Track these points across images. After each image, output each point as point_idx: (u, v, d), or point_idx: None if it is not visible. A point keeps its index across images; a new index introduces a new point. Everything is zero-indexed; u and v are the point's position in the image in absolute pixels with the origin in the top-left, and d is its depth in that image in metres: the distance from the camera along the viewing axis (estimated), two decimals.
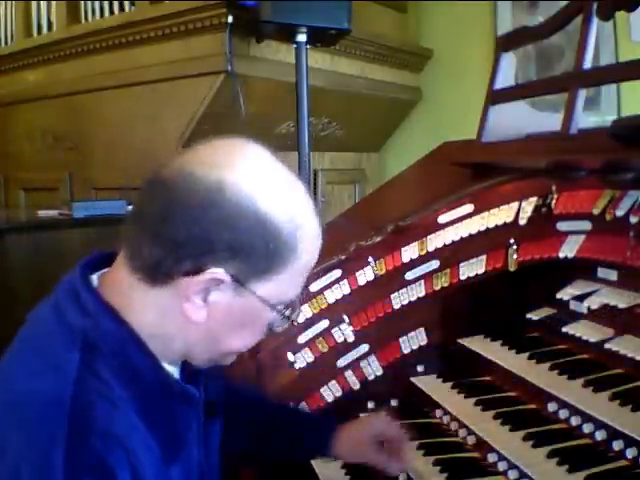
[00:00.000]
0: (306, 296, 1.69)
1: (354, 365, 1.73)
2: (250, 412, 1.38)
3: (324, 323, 1.70)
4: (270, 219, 0.88)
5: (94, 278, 0.97)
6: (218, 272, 0.87)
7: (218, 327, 0.94)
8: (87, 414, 0.82)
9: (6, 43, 3.88)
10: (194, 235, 0.86)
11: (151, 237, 0.89)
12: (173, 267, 0.88)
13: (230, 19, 2.54)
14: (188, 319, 0.91)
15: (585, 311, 1.49)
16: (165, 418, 0.94)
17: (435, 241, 1.71)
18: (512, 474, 1.30)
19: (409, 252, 1.71)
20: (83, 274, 0.95)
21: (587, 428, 1.27)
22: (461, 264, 1.71)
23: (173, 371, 1.00)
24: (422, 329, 1.76)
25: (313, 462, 1.62)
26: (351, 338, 1.71)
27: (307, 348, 1.69)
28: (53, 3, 3.52)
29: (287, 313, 0.99)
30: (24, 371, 0.88)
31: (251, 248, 0.88)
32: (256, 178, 0.90)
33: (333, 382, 1.71)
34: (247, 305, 0.93)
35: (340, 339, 1.71)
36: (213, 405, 1.11)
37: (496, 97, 1.74)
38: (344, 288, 1.71)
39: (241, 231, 0.87)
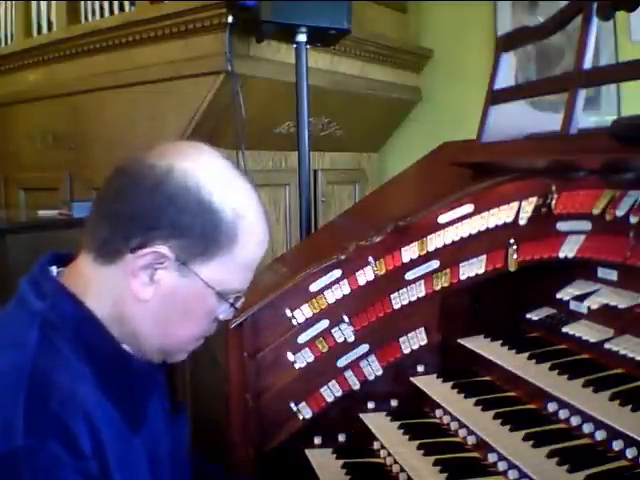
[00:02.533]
0: (306, 296, 1.69)
1: (354, 365, 1.73)
2: None
3: (324, 323, 1.70)
4: (212, 204, 0.97)
5: (53, 269, 1.03)
6: (161, 248, 0.95)
7: (164, 310, 0.99)
8: (46, 382, 0.85)
9: (6, 43, 3.87)
10: (141, 212, 0.95)
11: (104, 217, 0.98)
12: (122, 243, 0.95)
13: (230, 19, 2.53)
14: (135, 297, 0.97)
15: (585, 311, 1.49)
16: (124, 392, 0.97)
17: (435, 241, 1.71)
18: (512, 474, 1.30)
19: (409, 252, 1.71)
20: (41, 266, 1.02)
21: (587, 428, 1.27)
22: (461, 264, 1.71)
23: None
24: (422, 329, 1.76)
25: (313, 462, 1.63)
26: (351, 338, 1.71)
27: (307, 348, 1.70)
28: (53, 3, 3.52)
29: (231, 300, 1.04)
30: None
31: (192, 228, 0.96)
32: (205, 168, 0.99)
33: (333, 382, 1.71)
34: (191, 288, 0.99)
35: (340, 339, 1.71)
36: (177, 402, 1.17)
37: (496, 97, 1.74)
38: (344, 288, 1.71)
39: (184, 211, 0.95)
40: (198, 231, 0.96)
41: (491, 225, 1.66)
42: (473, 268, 1.70)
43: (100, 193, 1.02)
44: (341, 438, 1.73)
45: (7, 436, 0.80)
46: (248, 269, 1.05)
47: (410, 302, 1.73)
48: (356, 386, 1.73)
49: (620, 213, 1.34)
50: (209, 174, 0.99)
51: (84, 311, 0.97)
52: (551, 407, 1.38)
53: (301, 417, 1.69)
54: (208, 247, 0.98)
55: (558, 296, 1.56)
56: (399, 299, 1.73)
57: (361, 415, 1.73)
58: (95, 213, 1.00)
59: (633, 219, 1.31)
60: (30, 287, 0.99)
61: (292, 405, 1.68)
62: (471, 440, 1.48)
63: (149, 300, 0.98)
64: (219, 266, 0.99)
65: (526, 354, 1.52)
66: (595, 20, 1.44)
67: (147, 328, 1.01)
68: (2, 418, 0.82)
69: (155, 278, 0.97)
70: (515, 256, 1.62)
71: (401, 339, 1.75)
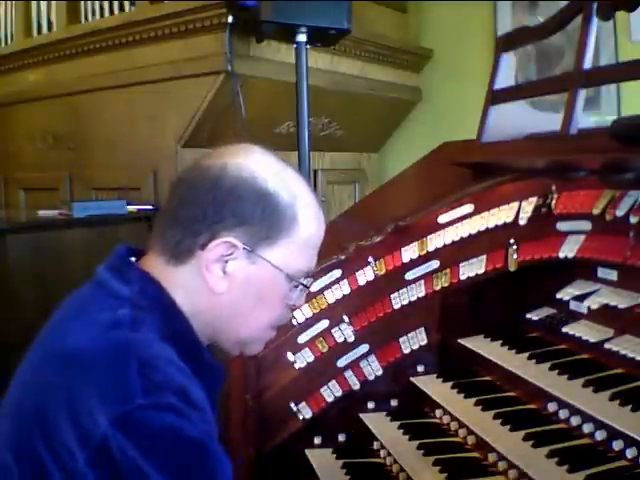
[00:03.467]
0: (306, 296, 1.69)
1: (354, 365, 1.73)
2: None
3: (324, 323, 1.70)
4: (269, 190, 1.02)
5: (132, 260, 1.08)
6: (228, 238, 1.00)
7: (240, 299, 1.05)
8: (150, 351, 0.90)
9: (6, 43, 3.87)
10: (204, 210, 1.01)
11: (172, 222, 1.04)
12: (192, 242, 1.01)
13: (230, 19, 2.54)
14: (211, 291, 1.02)
15: (585, 311, 1.49)
16: (201, 379, 0.99)
17: (435, 241, 1.71)
18: (512, 474, 1.30)
19: (409, 252, 1.71)
20: (121, 255, 1.07)
21: (587, 428, 1.27)
22: (461, 264, 1.71)
23: None
24: (422, 329, 1.76)
25: (313, 462, 1.63)
26: (351, 338, 1.71)
27: (307, 348, 1.70)
28: (53, 3, 3.52)
29: (303, 282, 1.10)
30: (80, 333, 0.93)
31: (253, 215, 1.01)
32: (256, 160, 1.06)
33: (333, 382, 1.71)
34: (262, 274, 1.04)
35: (340, 339, 1.71)
36: None
37: (496, 97, 1.74)
38: (344, 288, 1.71)
39: (243, 201, 1.01)
40: (259, 217, 1.02)
41: (491, 225, 1.66)
42: (473, 268, 1.70)
43: (166, 204, 1.07)
44: (341, 438, 1.73)
45: (125, 398, 0.83)
46: (312, 248, 1.10)
47: (410, 302, 1.73)
48: (356, 386, 1.73)
49: (620, 213, 1.34)
50: (261, 165, 1.05)
51: (169, 298, 1.02)
52: (551, 407, 1.38)
53: (301, 417, 1.69)
54: (271, 231, 1.03)
55: (558, 296, 1.56)
56: (399, 299, 1.73)
57: (361, 415, 1.73)
58: (162, 221, 1.06)
59: (633, 219, 1.31)
60: (112, 274, 1.02)
61: (292, 405, 1.68)
62: (471, 440, 1.48)
63: (225, 292, 1.03)
64: (284, 248, 1.05)
65: (526, 354, 1.52)
66: (595, 20, 1.44)
67: (225, 320, 1.06)
68: (117, 385, 0.85)
69: (227, 270, 1.02)
70: (515, 256, 1.62)
71: (401, 339, 1.75)
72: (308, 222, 1.07)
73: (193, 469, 0.86)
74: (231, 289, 1.03)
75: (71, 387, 0.86)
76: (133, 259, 1.08)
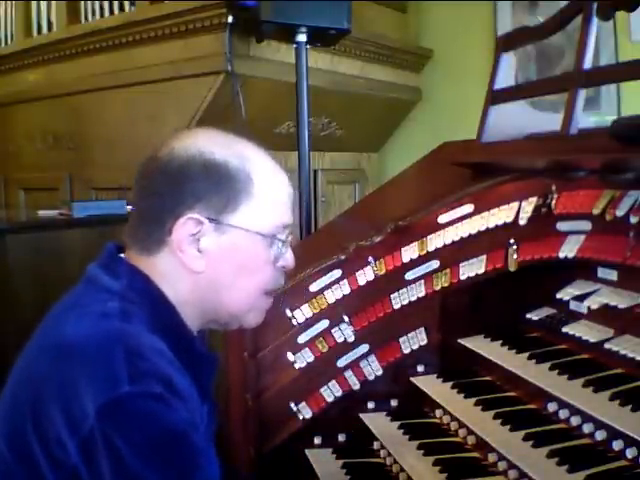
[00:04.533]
0: (306, 296, 1.69)
1: (354, 365, 1.73)
2: None
3: (324, 323, 1.70)
4: (216, 161, 1.03)
5: (121, 255, 1.09)
6: (191, 215, 1.01)
7: (223, 272, 1.06)
8: (138, 341, 0.92)
9: (6, 43, 3.88)
10: (162, 198, 1.03)
11: (137, 216, 1.07)
12: (160, 231, 1.03)
13: (230, 19, 2.54)
14: (191, 272, 1.03)
15: (585, 311, 1.49)
16: (192, 370, 1.00)
17: (435, 241, 1.71)
18: (512, 474, 1.30)
19: (409, 252, 1.71)
20: (110, 252, 1.08)
21: (587, 428, 1.27)
22: (461, 264, 1.71)
23: None
24: (422, 329, 1.76)
25: (313, 462, 1.63)
26: (351, 338, 1.71)
27: (307, 348, 1.70)
28: (53, 3, 3.52)
29: (280, 237, 1.09)
30: (72, 324, 0.95)
31: (209, 188, 1.02)
32: (201, 137, 1.07)
33: (333, 382, 1.71)
34: (236, 241, 1.05)
35: (340, 339, 1.71)
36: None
37: (496, 97, 1.74)
38: (344, 288, 1.71)
39: (196, 177, 1.02)
40: (214, 188, 1.02)
41: (491, 225, 1.66)
42: (473, 268, 1.70)
43: (131, 204, 1.10)
44: (341, 438, 1.73)
45: (112, 386, 0.84)
46: (279, 203, 1.10)
47: (410, 302, 1.73)
48: (356, 386, 1.73)
49: (620, 213, 1.34)
50: (206, 141, 1.06)
51: (157, 290, 1.03)
52: (551, 407, 1.38)
53: (301, 417, 1.69)
54: (230, 197, 1.03)
55: (558, 296, 1.56)
56: (399, 299, 1.73)
57: (361, 415, 1.73)
58: (130, 218, 1.09)
59: (633, 219, 1.31)
60: (101, 270, 1.04)
61: (292, 405, 1.68)
62: (471, 440, 1.48)
63: (205, 270, 1.04)
64: (249, 209, 1.05)
65: (526, 354, 1.52)
66: (595, 20, 1.44)
67: (213, 297, 1.07)
68: (104, 373, 0.86)
69: (201, 247, 1.03)
70: (515, 256, 1.62)
71: (401, 339, 1.75)
72: (265, 177, 1.07)
73: (173, 458, 0.86)
74: (210, 265, 1.04)
75: (62, 376, 0.88)
76: (123, 255, 1.09)
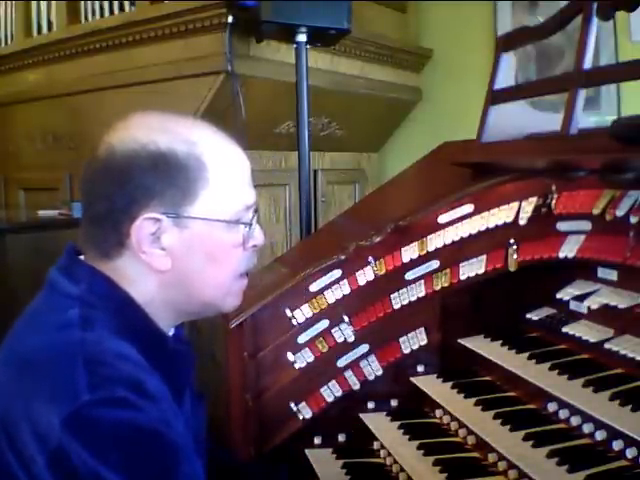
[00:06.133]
0: (306, 296, 1.69)
1: (354, 365, 1.73)
2: None
3: (324, 323, 1.70)
4: (161, 151, 0.96)
5: (81, 257, 1.04)
6: (146, 214, 0.95)
7: (191, 266, 1.00)
8: (99, 348, 0.88)
9: (6, 43, 3.87)
10: (111, 200, 0.96)
11: (89, 223, 1.01)
12: (116, 235, 0.97)
13: (230, 19, 2.53)
14: (158, 271, 0.98)
15: (585, 311, 1.49)
16: (166, 370, 0.97)
17: (435, 241, 1.71)
18: (512, 474, 1.30)
19: (409, 252, 1.71)
20: (69, 254, 1.03)
21: (587, 428, 1.27)
22: (461, 264, 1.71)
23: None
24: (422, 329, 1.76)
25: (313, 462, 1.63)
26: (351, 338, 1.71)
27: (307, 348, 1.69)
28: (53, 3, 3.51)
29: (244, 220, 1.03)
30: (30, 336, 0.93)
31: (160, 182, 0.96)
32: (138, 127, 0.99)
33: (333, 382, 1.71)
34: (199, 233, 0.99)
35: (340, 339, 1.71)
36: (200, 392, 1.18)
37: (496, 97, 1.74)
38: (344, 288, 1.71)
39: (143, 173, 0.95)
40: (166, 181, 0.96)
41: (491, 225, 1.66)
42: (473, 268, 1.70)
43: (81, 208, 1.04)
44: (341, 438, 1.73)
45: (72, 397, 0.81)
46: (238, 184, 1.04)
47: (410, 302, 1.73)
48: (356, 386, 1.73)
49: (620, 213, 1.34)
50: (144, 129, 0.99)
51: (120, 291, 0.98)
52: (551, 407, 1.38)
53: (301, 417, 1.69)
54: (185, 188, 0.97)
55: (558, 296, 1.56)
56: (399, 299, 1.73)
57: (361, 415, 1.73)
58: (83, 224, 1.03)
59: (633, 219, 1.31)
60: (61, 274, 1.00)
61: (292, 405, 1.68)
62: (471, 440, 1.48)
63: (171, 267, 0.99)
64: (208, 197, 0.99)
65: (526, 354, 1.52)
66: (595, 20, 1.44)
67: (184, 292, 1.02)
68: (63, 385, 0.83)
69: (164, 245, 0.98)
70: (515, 256, 1.62)
71: (401, 339, 1.75)
72: (218, 161, 1.01)
73: (149, 460, 0.83)
74: (176, 261, 0.99)
75: (26, 393, 0.85)
76: (82, 257, 1.04)
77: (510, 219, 1.63)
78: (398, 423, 1.66)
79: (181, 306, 1.05)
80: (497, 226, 1.66)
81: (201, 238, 1.00)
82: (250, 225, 1.05)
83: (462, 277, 1.71)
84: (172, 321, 1.07)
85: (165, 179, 0.96)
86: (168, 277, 1.00)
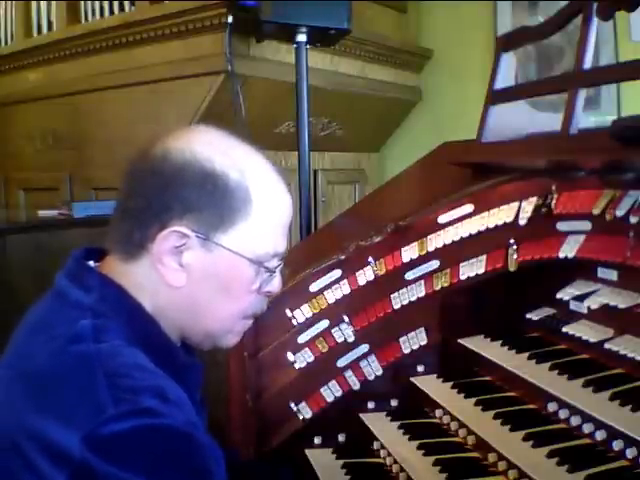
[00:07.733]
0: (306, 296, 1.69)
1: (354, 365, 1.73)
2: None
3: (324, 323, 1.70)
4: (215, 171, 0.95)
5: (91, 263, 1.02)
6: (178, 227, 0.94)
7: (203, 291, 0.98)
8: (117, 361, 0.86)
9: (6, 43, 3.87)
10: (150, 200, 0.95)
11: (121, 216, 0.99)
12: (142, 235, 0.95)
13: (230, 19, 2.54)
14: (169, 285, 0.96)
15: (585, 311, 1.49)
16: (176, 378, 0.94)
17: (435, 241, 1.71)
18: (512, 474, 1.30)
19: (409, 252, 1.71)
20: (78, 260, 1.01)
21: (587, 428, 1.27)
22: (461, 264, 1.71)
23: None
24: (422, 329, 1.76)
25: (313, 462, 1.63)
26: (351, 338, 1.71)
27: (307, 348, 1.69)
28: (53, 3, 3.52)
29: (268, 265, 1.01)
30: (39, 348, 0.89)
31: (202, 200, 0.94)
32: (199, 141, 0.99)
33: (333, 382, 1.71)
34: (221, 262, 0.97)
35: (340, 339, 1.71)
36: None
37: (496, 97, 1.74)
38: (344, 288, 1.71)
39: (189, 186, 0.94)
40: (208, 201, 0.95)
41: (491, 225, 1.66)
42: (473, 268, 1.70)
43: (116, 200, 1.02)
44: (341, 438, 1.73)
45: (95, 412, 0.79)
46: (276, 227, 1.02)
47: (410, 302, 1.73)
48: (356, 386, 1.73)
49: (620, 213, 1.34)
50: (205, 145, 0.98)
51: (132, 300, 0.96)
52: (551, 407, 1.38)
53: (301, 417, 1.69)
54: (224, 214, 0.96)
55: (558, 296, 1.56)
56: (399, 299, 1.73)
57: (361, 415, 1.73)
58: (114, 217, 1.01)
59: (633, 219, 1.31)
60: (70, 282, 0.97)
61: (292, 405, 1.68)
62: (471, 440, 1.48)
63: (184, 286, 0.97)
64: (243, 231, 0.97)
65: (526, 354, 1.52)
66: (595, 20, 1.44)
67: (189, 315, 1.00)
68: (82, 401, 0.81)
69: (183, 262, 0.96)
70: (515, 256, 1.62)
71: (401, 339, 1.75)
72: (265, 199, 0.99)
73: (182, 462, 0.81)
74: (190, 281, 0.97)
75: (37, 409, 0.82)
76: (92, 263, 1.02)
77: (510, 219, 1.63)
78: (398, 423, 1.66)
79: (184, 330, 1.03)
80: (497, 226, 1.66)
81: (222, 267, 0.98)
82: (273, 273, 1.03)
83: (462, 277, 1.71)
84: (176, 338, 1.05)
85: (208, 199, 0.95)
86: (178, 295, 0.98)
